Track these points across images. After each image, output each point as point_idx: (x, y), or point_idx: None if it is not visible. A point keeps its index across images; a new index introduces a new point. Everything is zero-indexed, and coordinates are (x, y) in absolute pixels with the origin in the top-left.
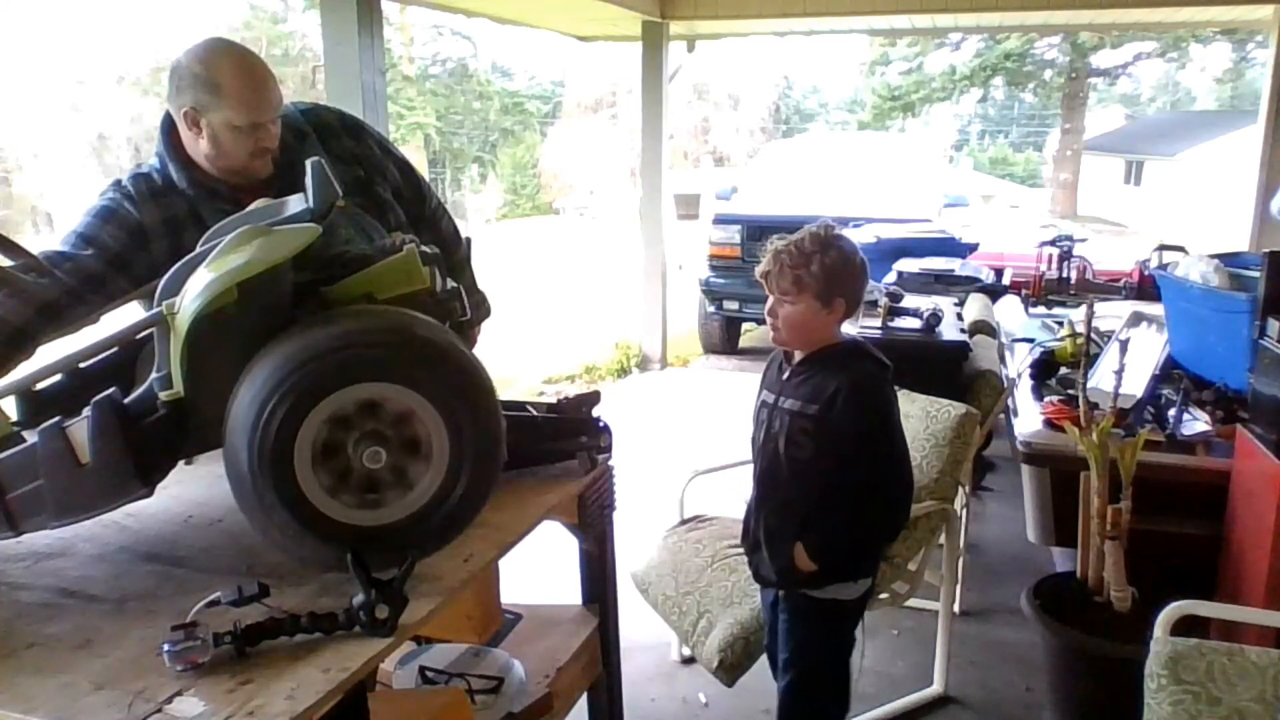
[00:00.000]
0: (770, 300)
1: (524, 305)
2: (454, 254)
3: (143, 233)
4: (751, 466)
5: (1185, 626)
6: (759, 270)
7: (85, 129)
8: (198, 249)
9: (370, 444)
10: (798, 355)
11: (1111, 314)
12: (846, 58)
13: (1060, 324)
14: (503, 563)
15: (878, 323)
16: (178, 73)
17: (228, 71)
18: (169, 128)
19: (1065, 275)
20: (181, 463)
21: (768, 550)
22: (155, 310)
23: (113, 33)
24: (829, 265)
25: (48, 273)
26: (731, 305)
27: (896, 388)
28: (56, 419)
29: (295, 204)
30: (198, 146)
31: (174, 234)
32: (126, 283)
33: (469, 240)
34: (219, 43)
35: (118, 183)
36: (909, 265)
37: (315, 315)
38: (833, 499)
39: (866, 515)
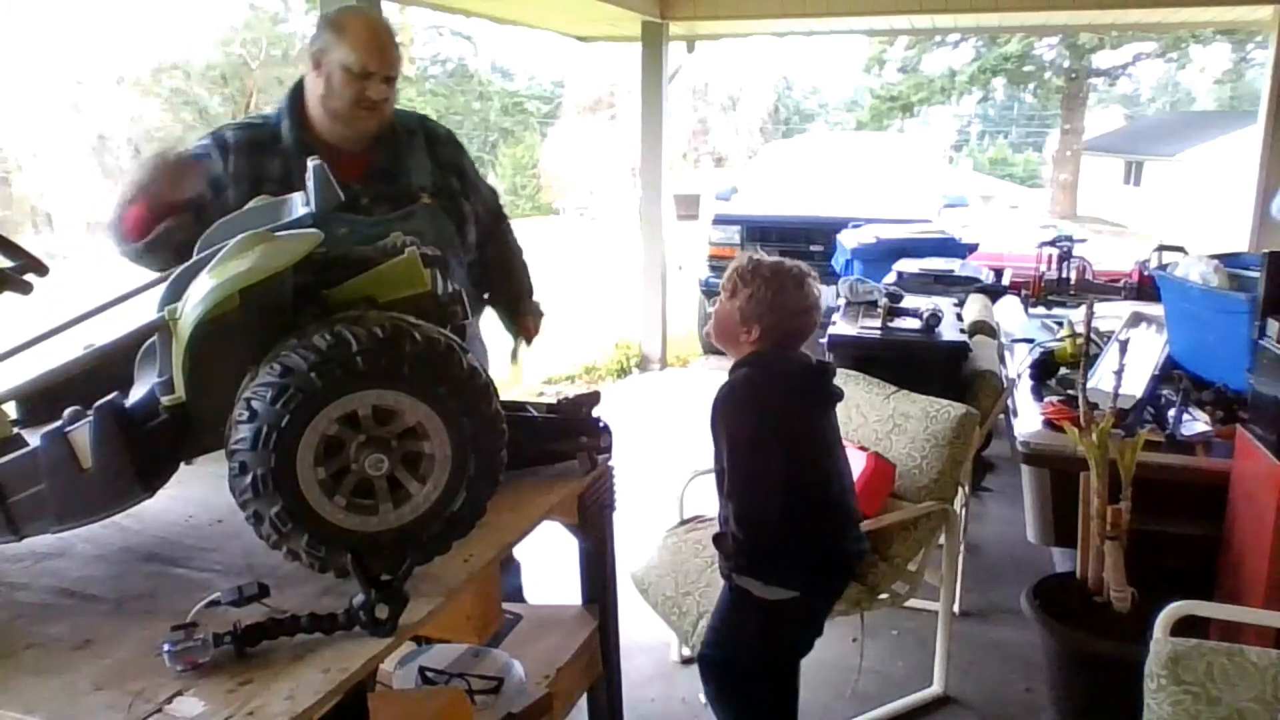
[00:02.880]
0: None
1: None
2: (516, 267)
3: (220, 184)
4: None
5: (1185, 626)
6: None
7: (85, 129)
8: (196, 253)
9: (374, 450)
10: None
11: (1111, 314)
12: (846, 58)
13: (1060, 324)
14: None
15: (877, 323)
16: (318, 23)
17: (352, 19)
18: (298, 85)
19: (1065, 275)
20: (181, 462)
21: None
22: (157, 316)
23: (113, 33)
24: (759, 293)
25: (47, 271)
26: None
27: (896, 388)
28: (58, 424)
29: (297, 206)
30: (316, 89)
31: (255, 189)
32: (200, 227)
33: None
34: (358, 8)
35: (217, 131)
36: (909, 265)
37: (347, 315)
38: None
39: (737, 520)
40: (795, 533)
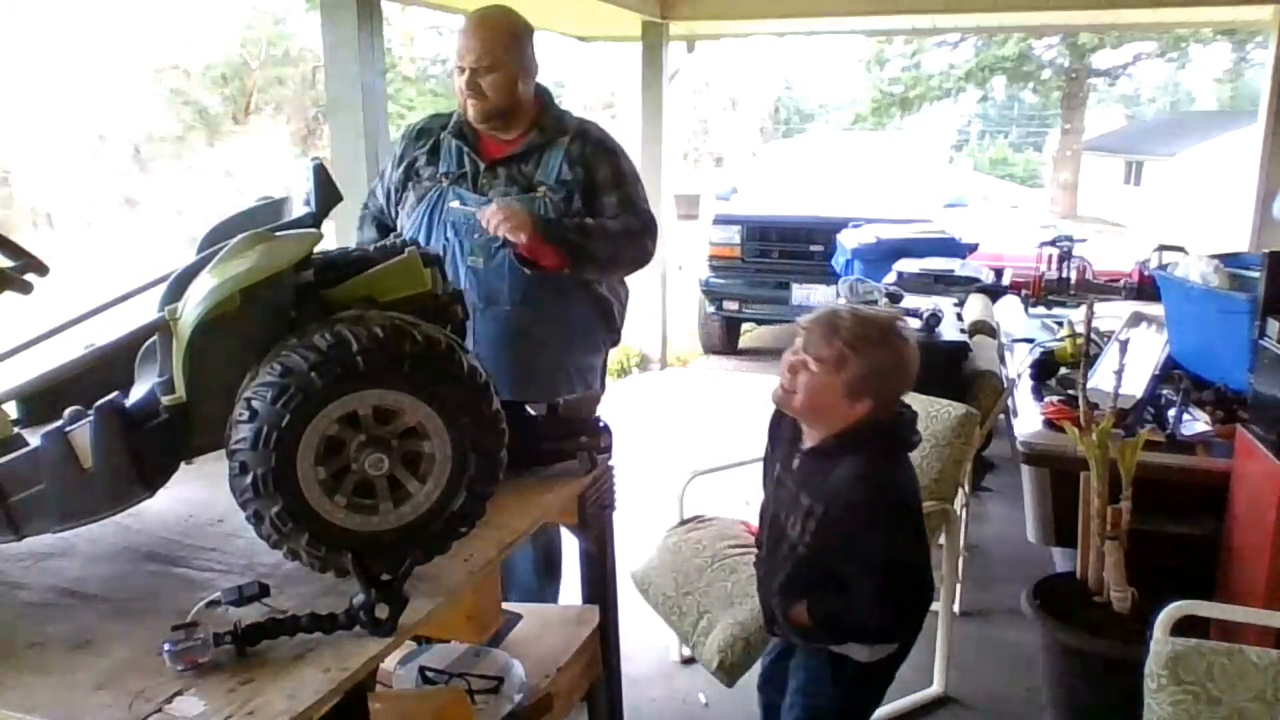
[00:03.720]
0: (793, 355)
1: None
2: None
3: (394, 160)
4: (759, 517)
5: (1185, 627)
6: (804, 319)
7: (85, 129)
8: (196, 254)
9: (374, 450)
10: (808, 439)
11: (1111, 314)
12: (846, 58)
13: (1060, 324)
14: None
15: None
16: None
17: (465, 18)
18: None
19: (1065, 275)
20: (181, 462)
21: (781, 619)
22: (157, 316)
23: (113, 33)
24: (878, 363)
25: (47, 271)
26: (731, 306)
27: None
28: (58, 424)
29: (297, 207)
30: None
31: (407, 169)
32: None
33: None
34: (487, 5)
35: (413, 123)
36: (909, 265)
37: (347, 315)
38: (837, 582)
39: (867, 602)
40: (923, 590)
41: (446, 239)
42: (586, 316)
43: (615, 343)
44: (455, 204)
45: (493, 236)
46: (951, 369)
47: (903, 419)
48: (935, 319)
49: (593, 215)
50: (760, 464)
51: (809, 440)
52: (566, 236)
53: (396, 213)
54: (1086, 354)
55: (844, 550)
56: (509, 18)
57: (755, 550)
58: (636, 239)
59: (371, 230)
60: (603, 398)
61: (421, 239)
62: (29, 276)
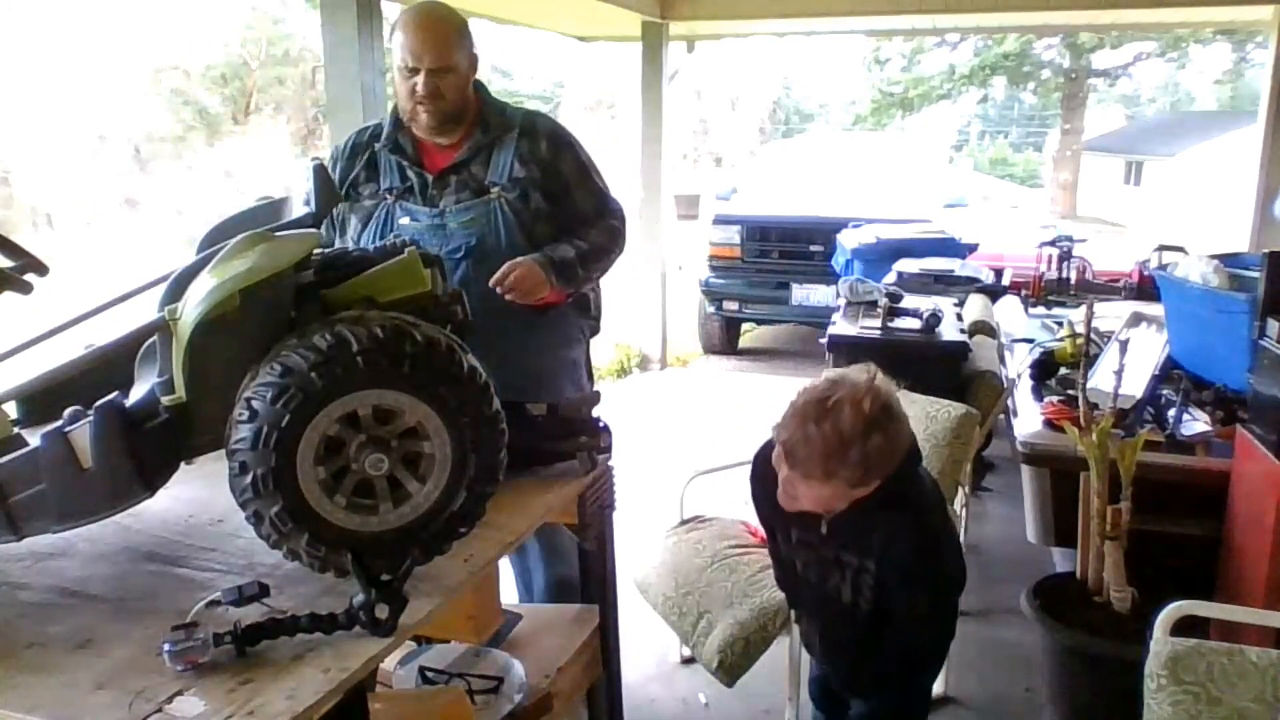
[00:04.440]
0: (785, 474)
1: None
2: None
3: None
4: (799, 596)
5: (1185, 627)
6: (782, 434)
7: (85, 129)
8: (196, 254)
9: (374, 450)
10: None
11: (1111, 314)
12: (846, 57)
13: (1060, 324)
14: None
15: (878, 323)
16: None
17: (406, 18)
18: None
19: (1065, 275)
20: (181, 462)
21: (851, 691)
22: (157, 316)
23: (113, 33)
24: (871, 452)
25: (47, 271)
26: (731, 306)
27: (901, 390)
28: (58, 424)
29: (297, 207)
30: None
31: (350, 188)
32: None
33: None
34: (424, 1)
35: (343, 141)
36: (909, 265)
37: (347, 315)
38: (895, 631)
39: (928, 636)
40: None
41: None
42: (558, 312)
43: (596, 330)
44: (405, 220)
45: (453, 249)
46: (951, 369)
47: (919, 471)
48: (935, 319)
49: (564, 214)
50: None
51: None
52: (572, 273)
53: (333, 239)
54: (1086, 354)
55: (905, 594)
56: (452, 13)
57: (762, 548)
58: (616, 238)
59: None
60: (594, 390)
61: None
62: (29, 276)
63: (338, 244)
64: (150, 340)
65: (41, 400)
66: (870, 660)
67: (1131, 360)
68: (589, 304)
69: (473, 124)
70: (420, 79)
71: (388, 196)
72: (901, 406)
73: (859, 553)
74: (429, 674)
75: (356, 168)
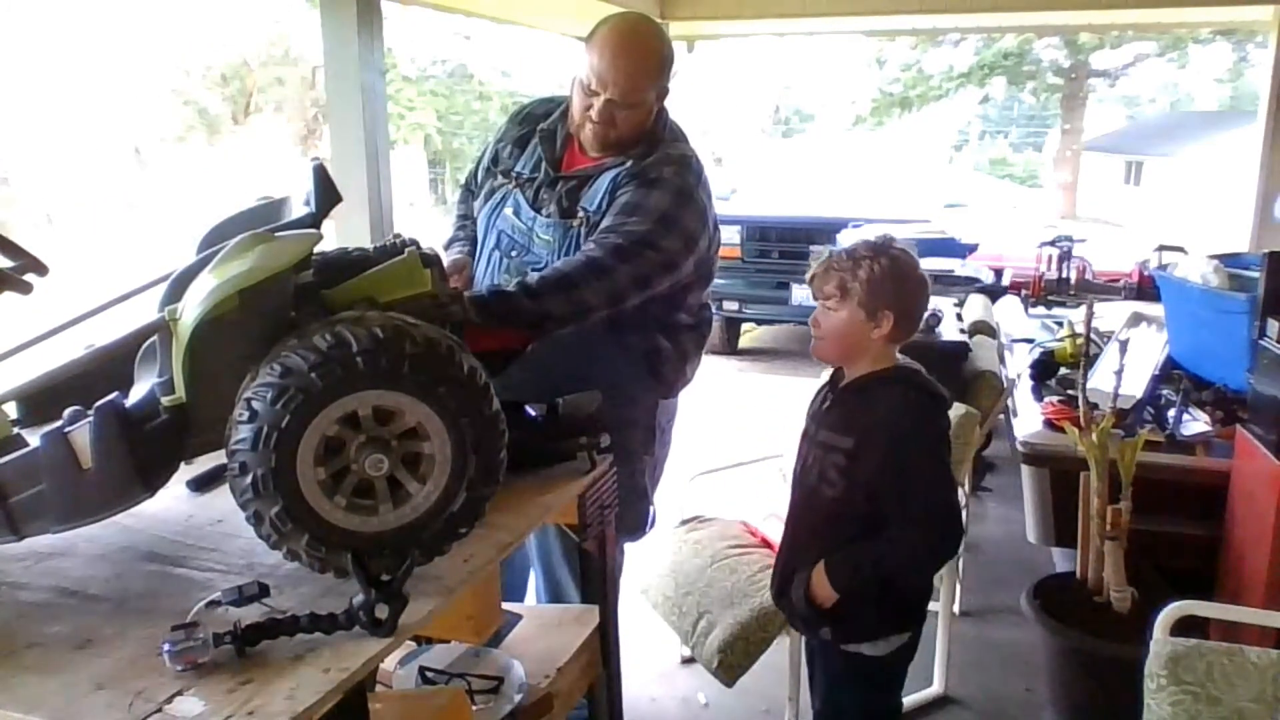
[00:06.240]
0: (816, 309)
1: None
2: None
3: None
4: (788, 494)
5: (1185, 627)
6: (808, 275)
7: (85, 129)
8: (196, 254)
9: (374, 451)
10: (845, 380)
11: (1111, 314)
12: (846, 57)
13: (1060, 324)
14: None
15: None
16: None
17: (603, 36)
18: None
19: (1065, 276)
20: (182, 462)
21: (794, 585)
22: (157, 316)
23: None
24: (877, 273)
25: (47, 271)
26: (731, 305)
27: None
28: (58, 424)
29: (297, 207)
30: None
31: (504, 150)
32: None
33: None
34: (626, 15)
35: (529, 101)
36: None
37: (347, 315)
38: (862, 536)
39: (894, 558)
40: (955, 538)
41: (497, 246)
42: (620, 367)
43: (665, 395)
44: (509, 211)
45: (531, 261)
46: (951, 369)
47: (928, 377)
48: (935, 319)
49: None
50: (765, 462)
51: (845, 380)
52: (512, 309)
53: (476, 193)
54: (1086, 354)
55: (884, 486)
56: (659, 42)
57: (762, 548)
58: (602, 273)
59: (464, 205)
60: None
61: (479, 235)
62: (29, 276)
63: (476, 207)
64: (150, 340)
65: (41, 400)
66: (833, 553)
67: (1131, 360)
68: (659, 367)
69: (631, 148)
70: (598, 103)
71: (513, 181)
72: (923, 272)
73: (843, 429)
74: (429, 674)
75: (512, 135)
